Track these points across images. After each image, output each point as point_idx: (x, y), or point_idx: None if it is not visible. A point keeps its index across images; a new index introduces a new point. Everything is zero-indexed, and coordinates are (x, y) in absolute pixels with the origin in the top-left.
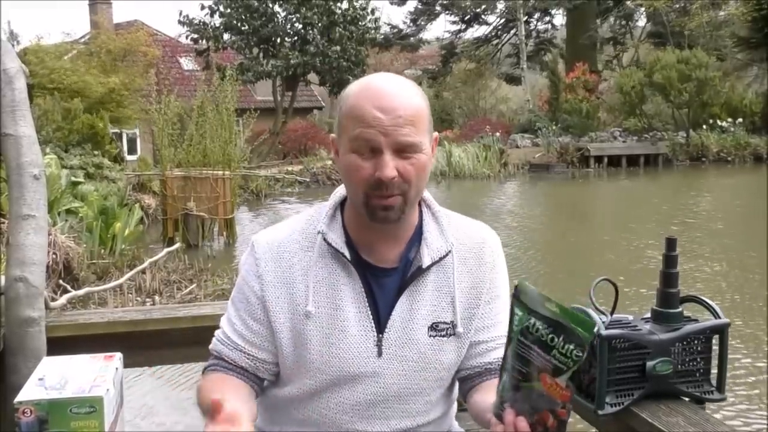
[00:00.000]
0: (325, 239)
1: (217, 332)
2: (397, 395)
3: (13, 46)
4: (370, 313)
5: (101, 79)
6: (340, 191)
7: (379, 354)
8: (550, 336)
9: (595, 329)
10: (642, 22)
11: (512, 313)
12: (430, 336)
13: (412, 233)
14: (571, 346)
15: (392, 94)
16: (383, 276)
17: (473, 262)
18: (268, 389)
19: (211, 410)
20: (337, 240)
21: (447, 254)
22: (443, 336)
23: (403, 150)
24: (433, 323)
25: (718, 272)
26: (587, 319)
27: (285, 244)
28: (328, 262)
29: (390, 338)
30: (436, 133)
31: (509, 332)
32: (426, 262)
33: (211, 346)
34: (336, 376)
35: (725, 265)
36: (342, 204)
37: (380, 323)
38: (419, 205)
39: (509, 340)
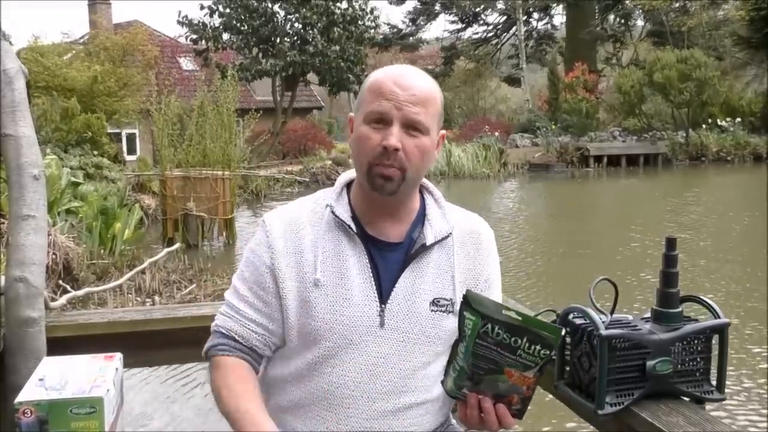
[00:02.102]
0: (332, 212)
1: (223, 308)
2: (398, 368)
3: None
4: (374, 283)
5: (84, 73)
6: (346, 175)
7: (382, 324)
8: (513, 339)
9: (562, 332)
10: (641, 21)
11: (462, 317)
12: (431, 311)
13: (415, 215)
14: (538, 347)
15: (411, 75)
16: (387, 250)
17: (471, 248)
18: (270, 371)
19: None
20: (344, 213)
21: (448, 236)
22: (443, 312)
23: (411, 127)
24: (435, 299)
25: (716, 271)
26: (552, 324)
27: (295, 218)
28: (335, 234)
29: (392, 310)
30: (444, 131)
31: (460, 333)
32: (429, 240)
33: (217, 323)
34: (339, 343)
35: (724, 264)
36: (348, 186)
37: (383, 295)
38: (422, 191)
39: (461, 340)
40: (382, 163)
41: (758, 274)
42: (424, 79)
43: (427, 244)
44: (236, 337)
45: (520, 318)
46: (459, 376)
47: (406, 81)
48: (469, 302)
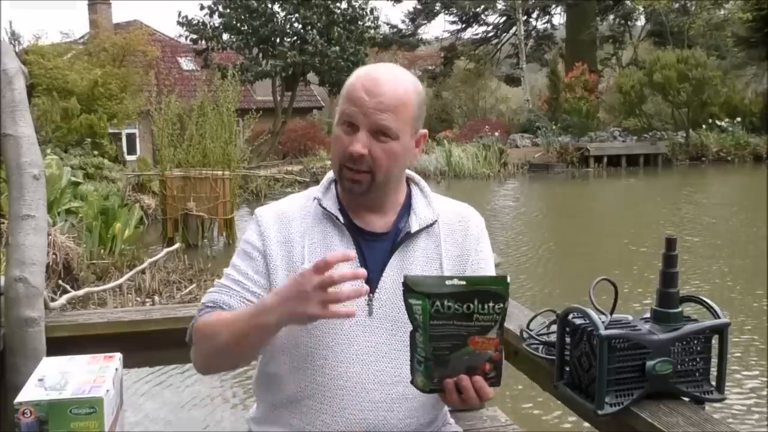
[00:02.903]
0: (320, 204)
1: (210, 289)
2: (389, 357)
3: (13, 46)
4: None
5: (84, 75)
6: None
7: (370, 313)
8: (465, 305)
9: (508, 279)
10: (641, 21)
11: (409, 306)
12: None
13: (402, 206)
14: (491, 303)
15: (383, 80)
16: (374, 240)
17: (459, 234)
18: (264, 368)
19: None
20: (331, 205)
21: (434, 223)
22: None
23: (378, 133)
24: None
25: (716, 271)
26: (496, 276)
27: (285, 211)
28: (323, 226)
29: (381, 298)
30: (425, 130)
31: (413, 323)
32: (414, 227)
33: (204, 299)
34: (329, 333)
35: (723, 264)
36: (336, 181)
37: (371, 284)
38: (408, 183)
39: (415, 329)
40: (349, 166)
41: (754, 273)
42: (397, 83)
43: (412, 231)
44: (223, 306)
45: (464, 282)
46: (426, 367)
47: (376, 87)
48: (411, 287)
